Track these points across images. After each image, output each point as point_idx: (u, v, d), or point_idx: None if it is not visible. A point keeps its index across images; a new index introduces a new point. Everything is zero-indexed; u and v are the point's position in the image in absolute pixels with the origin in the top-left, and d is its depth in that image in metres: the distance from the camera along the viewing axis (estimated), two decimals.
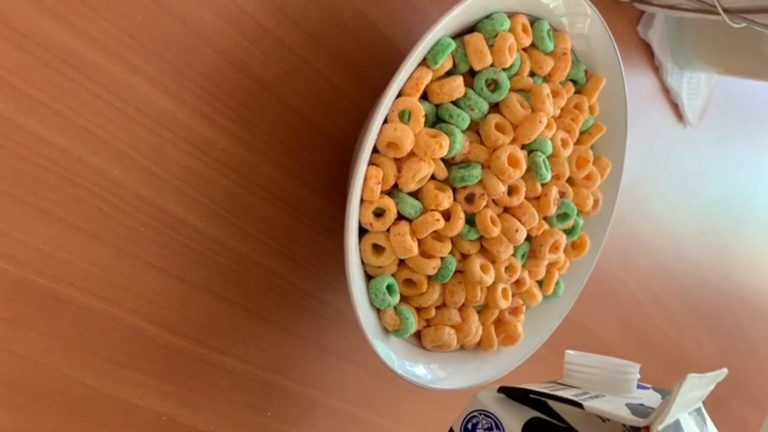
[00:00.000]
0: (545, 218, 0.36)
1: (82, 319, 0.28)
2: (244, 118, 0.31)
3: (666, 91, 0.59)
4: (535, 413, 0.26)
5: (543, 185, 0.35)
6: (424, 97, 0.32)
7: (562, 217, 0.37)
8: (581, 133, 0.38)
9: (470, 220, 0.33)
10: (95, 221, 0.27)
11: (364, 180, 0.29)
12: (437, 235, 0.32)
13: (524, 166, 0.33)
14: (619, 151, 0.40)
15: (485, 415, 0.26)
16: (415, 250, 0.31)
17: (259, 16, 0.30)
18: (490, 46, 0.32)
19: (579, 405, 0.25)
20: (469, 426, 0.27)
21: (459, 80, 0.31)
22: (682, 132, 0.64)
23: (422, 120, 0.30)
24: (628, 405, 0.26)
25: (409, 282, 0.32)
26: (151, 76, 0.27)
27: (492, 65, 0.32)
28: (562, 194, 0.37)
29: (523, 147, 0.34)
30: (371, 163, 0.30)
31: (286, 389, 0.35)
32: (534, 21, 0.34)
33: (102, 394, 0.29)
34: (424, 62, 0.31)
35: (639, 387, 0.30)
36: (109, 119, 0.27)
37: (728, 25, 0.44)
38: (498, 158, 0.32)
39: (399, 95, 0.30)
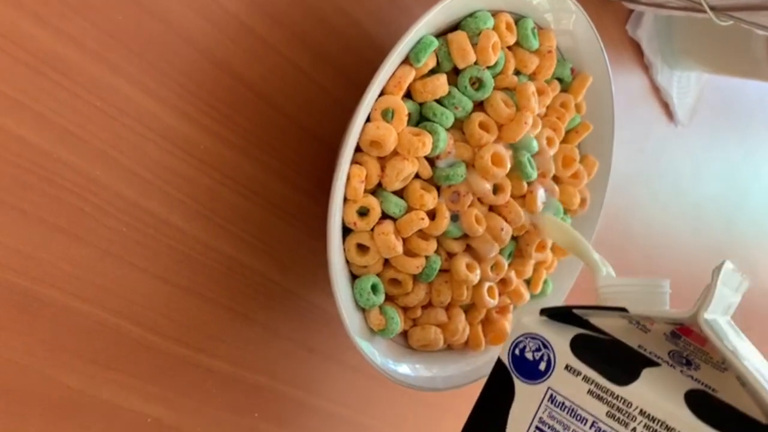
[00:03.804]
0: None
1: (65, 320, 0.27)
2: (227, 117, 0.30)
3: (656, 90, 0.59)
4: (579, 330, 0.27)
5: (529, 184, 0.35)
6: (408, 95, 0.32)
7: None
8: (568, 132, 0.38)
9: (455, 218, 0.33)
10: (77, 222, 0.27)
11: (347, 179, 0.29)
12: (422, 234, 0.32)
13: (508, 165, 0.33)
14: (606, 149, 0.40)
15: (532, 338, 0.27)
16: (400, 249, 0.31)
17: (241, 15, 0.30)
18: (474, 45, 0.32)
19: (624, 309, 0.26)
20: (517, 351, 0.27)
21: (442, 79, 0.31)
22: (673, 131, 0.64)
23: (405, 119, 0.30)
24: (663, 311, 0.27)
25: (394, 281, 0.32)
26: (131, 76, 0.27)
27: (476, 63, 0.32)
28: (548, 193, 0.37)
29: (508, 145, 0.34)
30: (355, 162, 0.30)
31: (274, 391, 0.35)
32: (518, 19, 0.34)
33: (86, 396, 0.29)
34: (407, 61, 0.30)
35: None
36: (89, 119, 0.27)
37: (716, 23, 0.44)
38: (482, 157, 0.32)
39: (382, 94, 0.30)
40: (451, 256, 0.33)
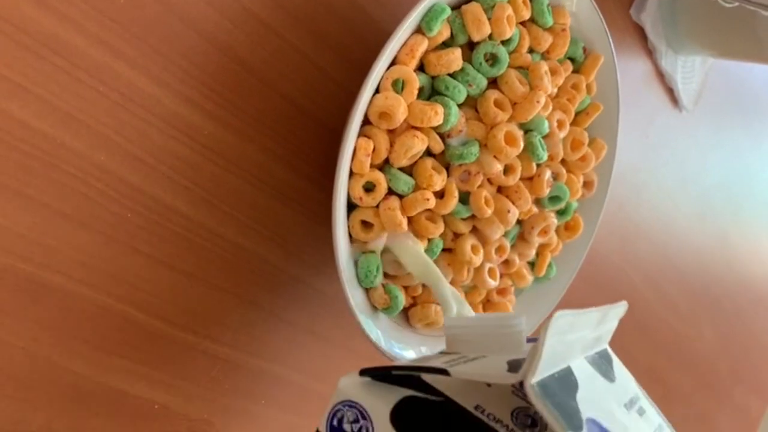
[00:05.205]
0: (537, 200, 0.36)
1: (70, 306, 0.27)
2: (230, 102, 0.30)
3: (660, 75, 0.59)
4: (407, 392, 0.22)
5: (537, 166, 0.35)
6: (422, 70, 0.31)
7: (554, 199, 0.37)
8: (578, 114, 0.38)
9: (462, 198, 0.33)
10: (81, 207, 0.27)
11: (354, 152, 0.29)
12: (430, 215, 0.32)
13: (521, 145, 0.33)
14: (612, 132, 0.40)
15: (349, 406, 0.23)
16: (405, 225, 0.30)
17: None
18: (489, 19, 0.32)
19: (445, 372, 0.21)
20: (335, 422, 0.23)
21: (457, 52, 0.31)
22: (678, 117, 0.63)
23: (416, 91, 0.30)
24: (509, 362, 0.22)
25: (396, 262, 0.32)
26: (134, 60, 0.27)
27: (490, 38, 0.32)
28: (555, 176, 0.37)
29: (519, 126, 0.34)
30: (363, 135, 0.30)
31: (279, 376, 0.35)
32: None
33: (92, 383, 0.29)
34: (419, 31, 0.30)
35: (531, 341, 0.25)
36: (92, 104, 0.26)
37: (721, 5, 0.43)
38: (495, 136, 0.32)
39: (394, 64, 0.30)
40: (456, 236, 0.33)
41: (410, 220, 0.31)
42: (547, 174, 0.35)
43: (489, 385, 0.22)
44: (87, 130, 0.26)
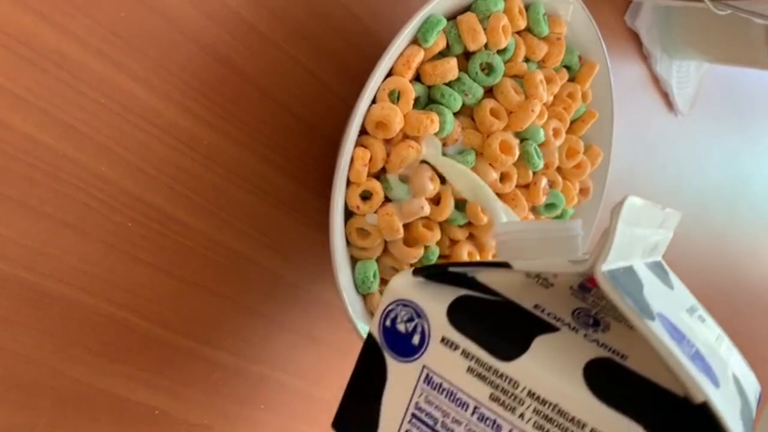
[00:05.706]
0: (533, 207, 0.37)
1: (72, 314, 0.28)
2: (230, 113, 0.31)
3: (656, 80, 0.59)
4: (462, 291, 0.22)
5: (534, 173, 0.35)
6: (418, 80, 0.32)
7: (551, 206, 0.37)
8: (573, 121, 0.38)
9: (459, 206, 0.33)
10: (83, 217, 0.27)
11: (351, 161, 0.30)
12: (427, 223, 0.32)
13: (516, 154, 0.33)
14: (606, 139, 0.40)
15: (403, 305, 0.22)
16: (402, 232, 0.31)
17: (242, 12, 0.30)
18: (484, 28, 0.32)
19: (506, 265, 0.21)
20: (388, 322, 0.22)
21: (453, 62, 0.31)
22: (673, 121, 0.64)
23: (412, 102, 0.30)
24: (570, 260, 0.21)
25: (392, 268, 0.33)
26: (135, 73, 0.28)
27: (486, 47, 0.32)
28: (551, 184, 0.37)
29: (515, 135, 0.34)
30: (360, 144, 0.30)
31: (279, 382, 0.36)
32: (528, 6, 0.34)
33: (94, 389, 0.29)
34: (415, 42, 0.31)
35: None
36: (94, 116, 0.27)
37: (714, 13, 0.44)
38: (489, 145, 0.32)
39: (391, 74, 0.30)
40: (453, 243, 0.34)
41: (407, 227, 0.32)
42: (543, 182, 0.36)
43: (547, 287, 0.22)
44: (89, 141, 0.27)
